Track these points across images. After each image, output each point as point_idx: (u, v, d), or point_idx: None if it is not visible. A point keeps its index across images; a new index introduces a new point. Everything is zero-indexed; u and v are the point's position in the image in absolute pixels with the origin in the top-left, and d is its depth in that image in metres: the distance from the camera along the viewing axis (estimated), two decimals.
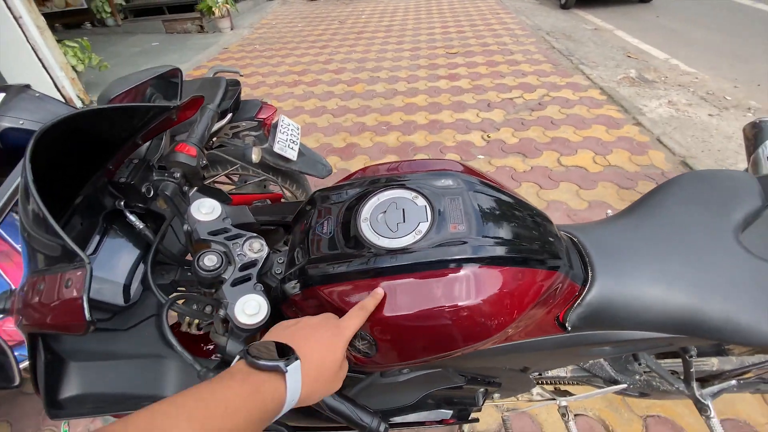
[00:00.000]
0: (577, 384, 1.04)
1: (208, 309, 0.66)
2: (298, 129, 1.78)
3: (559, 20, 6.18)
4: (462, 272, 0.51)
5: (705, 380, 0.95)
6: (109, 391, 0.63)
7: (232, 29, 6.83)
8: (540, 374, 0.99)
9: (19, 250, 1.32)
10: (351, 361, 0.58)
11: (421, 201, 0.59)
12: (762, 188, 0.76)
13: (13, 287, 1.20)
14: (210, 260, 0.56)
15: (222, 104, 1.46)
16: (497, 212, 0.60)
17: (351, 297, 0.53)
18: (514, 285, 0.53)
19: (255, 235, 0.63)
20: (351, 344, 0.55)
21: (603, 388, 0.99)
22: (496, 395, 0.96)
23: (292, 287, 0.57)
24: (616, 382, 0.95)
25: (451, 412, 0.90)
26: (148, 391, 0.65)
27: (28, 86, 1.77)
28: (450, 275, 0.51)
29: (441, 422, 0.91)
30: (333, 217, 0.62)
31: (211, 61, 5.42)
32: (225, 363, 0.55)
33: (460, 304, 0.51)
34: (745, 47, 4.45)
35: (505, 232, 0.57)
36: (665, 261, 0.69)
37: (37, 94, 1.70)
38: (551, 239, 0.62)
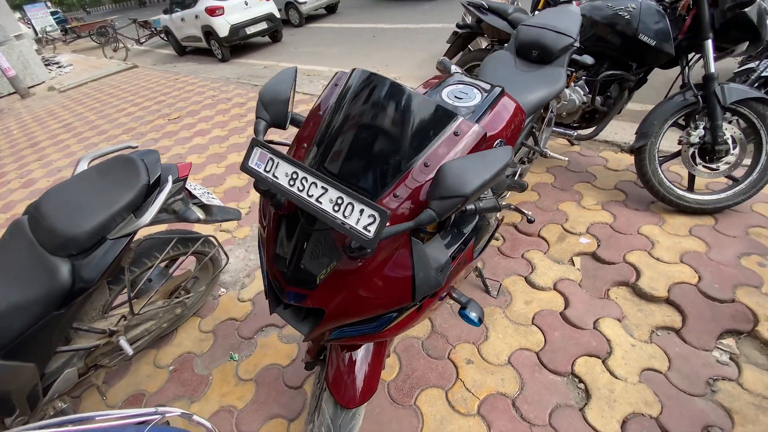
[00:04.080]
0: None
1: None
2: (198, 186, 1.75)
3: (233, 69, 7.05)
4: (505, 100, 1.13)
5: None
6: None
7: None
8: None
9: None
10: None
11: (466, 86, 1.16)
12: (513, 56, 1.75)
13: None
14: None
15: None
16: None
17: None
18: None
19: None
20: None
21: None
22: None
23: None
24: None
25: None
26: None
27: None
28: (502, 103, 1.12)
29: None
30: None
31: None
32: None
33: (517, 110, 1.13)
34: (363, 49, 6.73)
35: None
36: (516, 79, 1.55)
37: None
38: None
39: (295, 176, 0.70)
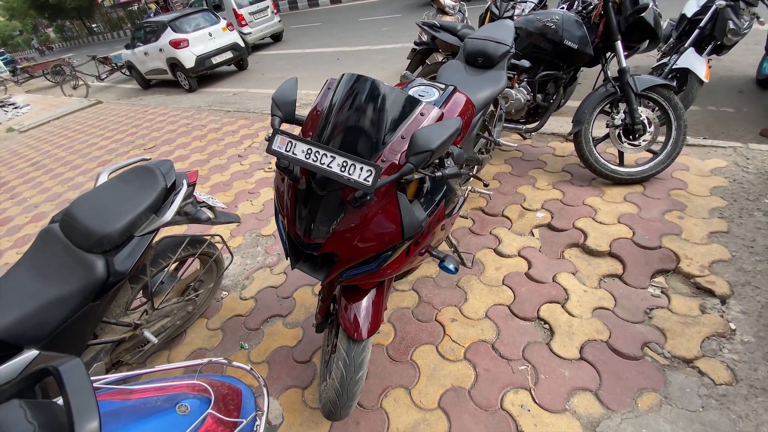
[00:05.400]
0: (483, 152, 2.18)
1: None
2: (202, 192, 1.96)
3: (203, 98, 7.21)
4: (457, 95, 1.44)
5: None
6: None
7: None
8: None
9: None
10: None
11: (426, 87, 1.46)
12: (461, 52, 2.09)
13: None
14: None
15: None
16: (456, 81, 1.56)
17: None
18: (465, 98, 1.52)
19: None
20: None
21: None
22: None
23: None
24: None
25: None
26: None
27: None
28: (455, 98, 1.43)
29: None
30: None
31: None
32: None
33: (468, 103, 1.44)
34: (328, 71, 7.10)
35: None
36: (467, 81, 1.87)
37: None
38: None
39: (309, 152, 0.97)
